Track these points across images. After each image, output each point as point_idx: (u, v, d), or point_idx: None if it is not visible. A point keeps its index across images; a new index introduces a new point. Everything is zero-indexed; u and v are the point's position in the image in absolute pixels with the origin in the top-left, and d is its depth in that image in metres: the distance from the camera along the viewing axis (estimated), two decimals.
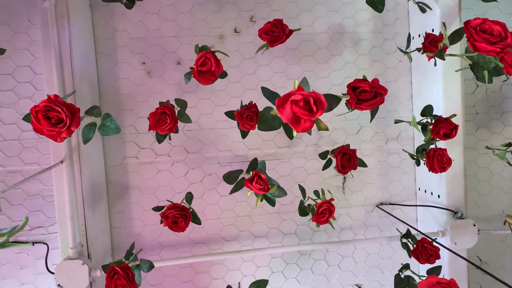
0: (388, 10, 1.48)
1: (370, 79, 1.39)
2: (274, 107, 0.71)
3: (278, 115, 0.68)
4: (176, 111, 1.14)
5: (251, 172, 1.05)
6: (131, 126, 1.37)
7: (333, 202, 1.12)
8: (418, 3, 1.23)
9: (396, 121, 1.25)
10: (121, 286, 0.92)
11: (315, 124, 0.71)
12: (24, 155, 1.31)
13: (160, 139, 1.09)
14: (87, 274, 1.14)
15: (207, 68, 0.89)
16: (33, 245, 1.33)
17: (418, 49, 1.18)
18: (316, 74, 1.45)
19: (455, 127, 1.04)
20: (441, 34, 1.11)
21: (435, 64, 1.17)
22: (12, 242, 1.31)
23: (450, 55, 0.89)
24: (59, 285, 1.14)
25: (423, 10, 1.23)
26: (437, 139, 1.06)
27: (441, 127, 1.04)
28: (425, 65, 1.39)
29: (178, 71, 1.38)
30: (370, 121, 1.01)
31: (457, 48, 1.27)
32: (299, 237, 1.47)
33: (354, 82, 0.85)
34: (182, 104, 1.13)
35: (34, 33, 1.29)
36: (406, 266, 1.18)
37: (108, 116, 0.94)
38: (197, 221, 1.18)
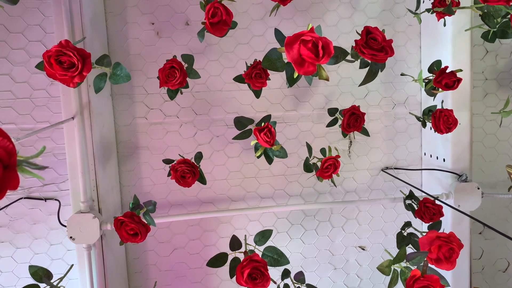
0: None
1: None
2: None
3: (284, 54, 0.69)
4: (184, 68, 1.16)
5: (262, 124, 1.06)
6: (140, 87, 1.39)
7: (339, 160, 1.14)
8: None
9: (402, 74, 1.28)
10: (131, 230, 0.95)
11: (317, 71, 0.72)
12: (36, 113, 1.34)
13: (172, 95, 1.11)
14: (98, 227, 1.18)
15: (218, 18, 0.90)
16: (46, 201, 1.37)
17: (428, 10, 1.18)
18: (325, 36, 1.45)
19: (458, 79, 1.04)
20: None
21: (445, 24, 1.16)
22: (25, 198, 1.35)
23: (460, 7, 0.89)
24: (71, 237, 1.18)
25: None
26: (438, 88, 1.06)
27: (445, 77, 1.04)
28: (434, 29, 1.38)
29: (186, 32, 1.38)
30: (360, 85, 1.01)
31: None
32: (304, 199, 1.50)
33: (373, 28, 0.85)
34: (189, 59, 1.14)
35: None
36: (407, 224, 1.20)
37: (118, 64, 0.96)
38: (203, 180, 1.20)
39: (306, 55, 0.65)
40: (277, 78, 1.42)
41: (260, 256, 0.97)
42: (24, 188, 1.35)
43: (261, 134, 0.98)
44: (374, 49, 0.85)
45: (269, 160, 1.13)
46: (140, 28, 1.37)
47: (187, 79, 1.10)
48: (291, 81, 0.79)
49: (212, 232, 1.48)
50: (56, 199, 1.37)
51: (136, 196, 1.12)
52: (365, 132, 1.30)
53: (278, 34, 0.84)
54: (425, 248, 0.90)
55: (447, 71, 1.10)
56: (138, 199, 1.11)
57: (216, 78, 1.41)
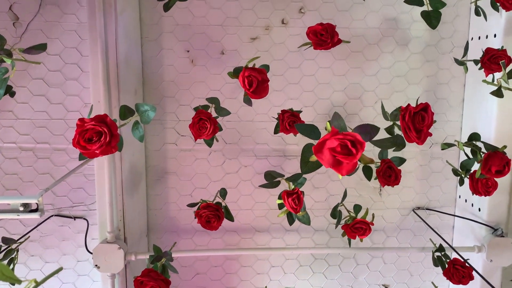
0: (448, 6, 1.37)
1: (420, 80, 1.34)
2: (313, 142, 0.69)
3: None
4: (212, 108, 1.14)
5: (294, 186, 1.04)
6: (172, 113, 1.38)
7: (369, 220, 1.11)
8: (477, 5, 1.14)
9: (443, 147, 1.18)
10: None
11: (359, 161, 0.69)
12: (69, 134, 1.36)
13: (209, 143, 1.11)
14: (123, 257, 1.20)
15: (256, 83, 0.88)
16: (75, 219, 1.40)
17: (475, 62, 1.11)
18: (364, 71, 1.39)
19: (507, 162, 0.98)
20: (503, 50, 1.03)
21: (493, 80, 1.09)
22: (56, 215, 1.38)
23: (509, 89, 0.82)
24: (96, 265, 1.20)
25: (477, 14, 1.14)
26: (489, 176, 1.01)
27: (492, 164, 0.98)
28: (479, 84, 1.30)
29: (221, 61, 1.36)
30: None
31: None
32: (330, 235, 1.47)
33: (430, 110, 0.81)
34: (214, 101, 1.14)
35: (82, 14, 1.30)
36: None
37: (139, 105, 0.94)
38: (230, 217, 1.19)
39: (340, 157, 0.62)
40: (307, 111, 1.38)
41: None
42: (55, 208, 1.38)
43: (289, 199, 0.95)
44: (414, 125, 0.81)
45: (291, 221, 1.10)
46: (175, 55, 1.35)
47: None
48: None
49: (235, 261, 1.48)
50: (84, 218, 1.40)
51: (156, 246, 1.12)
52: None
53: (299, 127, 0.80)
54: None
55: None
56: (159, 248, 1.11)
57: (248, 108, 1.39)
